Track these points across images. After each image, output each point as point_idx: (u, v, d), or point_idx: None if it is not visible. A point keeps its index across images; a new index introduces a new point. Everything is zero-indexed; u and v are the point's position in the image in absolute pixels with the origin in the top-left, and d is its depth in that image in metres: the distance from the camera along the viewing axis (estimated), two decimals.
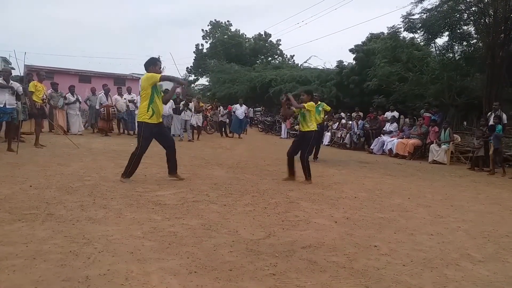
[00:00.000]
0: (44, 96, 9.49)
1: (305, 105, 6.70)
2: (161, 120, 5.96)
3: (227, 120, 18.04)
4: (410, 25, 14.17)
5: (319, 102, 9.90)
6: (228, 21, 42.13)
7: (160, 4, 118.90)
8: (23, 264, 2.70)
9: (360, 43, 21.48)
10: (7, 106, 7.85)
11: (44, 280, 2.48)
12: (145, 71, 5.80)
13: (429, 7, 13.53)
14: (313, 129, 6.82)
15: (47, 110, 10.21)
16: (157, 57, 5.89)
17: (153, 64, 5.73)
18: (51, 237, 3.23)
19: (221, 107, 19.46)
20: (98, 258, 2.87)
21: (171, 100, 13.64)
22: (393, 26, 15.24)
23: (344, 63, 21.87)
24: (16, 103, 8.27)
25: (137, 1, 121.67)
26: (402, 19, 14.35)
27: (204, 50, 41.38)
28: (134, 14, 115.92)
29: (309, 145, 6.92)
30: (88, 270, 2.66)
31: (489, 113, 10.88)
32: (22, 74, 10.34)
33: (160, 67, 5.81)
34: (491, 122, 10.03)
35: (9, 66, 24.40)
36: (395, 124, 14.26)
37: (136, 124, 6.03)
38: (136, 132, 6.16)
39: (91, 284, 2.46)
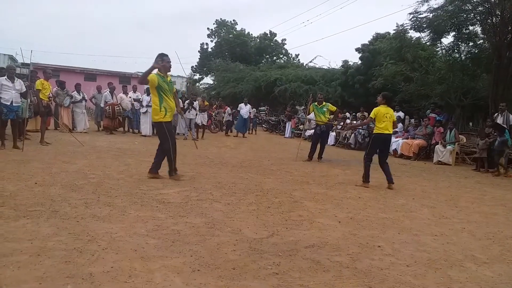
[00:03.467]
0: (50, 94, 9.54)
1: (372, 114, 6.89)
2: (172, 118, 6.08)
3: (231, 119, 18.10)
4: (418, 24, 14.07)
5: (324, 103, 9.87)
6: (233, 20, 42.22)
7: (166, 2, 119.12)
8: (27, 260, 2.72)
9: (366, 42, 21.39)
10: (14, 104, 7.91)
11: (48, 277, 2.50)
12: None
13: (435, 6, 13.44)
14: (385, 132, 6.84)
15: (53, 107, 10.24)
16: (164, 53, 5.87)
17: (160, 60, 5.75)
18: (56, 234, 3.25)
19: (229, 108, 19.48)
20: (102, 255, 2.89)
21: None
22: (402, 24, 15.11)
23: (350, 62, 21.80)
24: (21, 101, 8.32)
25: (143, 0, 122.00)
26: (409, 18, 14.26)
27: (209, 49, 41.42)
28: (140, 12, 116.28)
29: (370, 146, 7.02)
30: (92, 267, 2.68)
31: (496, 114, 10.81)
32: (27, 73, 10.40)
33: (168, 61, 5.83)
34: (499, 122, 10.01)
35: (16, 64, 24.56)
36: (400, 125, 14.19)
37: (153, 124, 6.05)
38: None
39: (95, 281, 2.48)
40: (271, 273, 2.79)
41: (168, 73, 5.95)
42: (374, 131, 6.93)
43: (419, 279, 2.89)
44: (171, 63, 5.88)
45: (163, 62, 5.75)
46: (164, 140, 5.85)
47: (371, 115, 6.91)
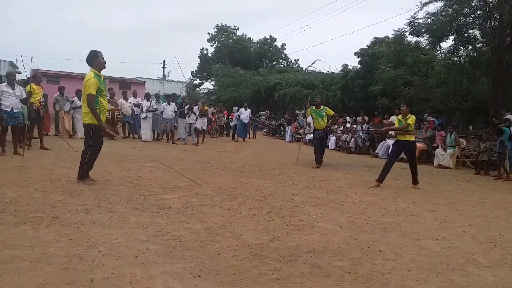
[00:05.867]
0: (42, 99, 9.35)
1: (410, 122, 7.18)
2: (105, 118, 6.07)
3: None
4: (415, 29, 14.13)
5: (322, 107, 9.86)
6: (235, 25, 42.51)
7: (166, 8, 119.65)
8: (28, 267, 2.71)
9: (365, 46, 21.44)
10: (14, 110, 7.92)
11: (49, 283, 2.49)
12: (89, 66, 5.65)
13: (433, 10, 13.49)
14: (414, 140, 7.52)
15: (42, 112, 9.84)
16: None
17: (95, 57, 5.64)
18: (56, 240, 3.25)
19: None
20: (102, 261, 2.88)
21: (173, 104, 13.68)
22: (398, 29, 15.22)
23: (349, 67, 21.83)
24: (21, 107, 8.32)
25: (143, 5, 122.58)
26: (407, 23, 14.32)
27: (209, 54, 41.59)
28: (140, 18, 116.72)
29: (415, 153, 7.76)
30: (92, 273, 2.67)
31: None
32: (27, 78, 10.33)
33: (103, 58, 5.71)
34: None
35: (16, 70, 24.60)
36: None
37: (84, 126, 5.79)
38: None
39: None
40: (272, 279, 2.79)
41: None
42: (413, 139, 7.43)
43: (421, 283, 2.88)
44: (105, 61, 5.76)
45: (98, 59, 5.65)
46: (87, 141, 5.62)
47: (412, 123, 7.24)
